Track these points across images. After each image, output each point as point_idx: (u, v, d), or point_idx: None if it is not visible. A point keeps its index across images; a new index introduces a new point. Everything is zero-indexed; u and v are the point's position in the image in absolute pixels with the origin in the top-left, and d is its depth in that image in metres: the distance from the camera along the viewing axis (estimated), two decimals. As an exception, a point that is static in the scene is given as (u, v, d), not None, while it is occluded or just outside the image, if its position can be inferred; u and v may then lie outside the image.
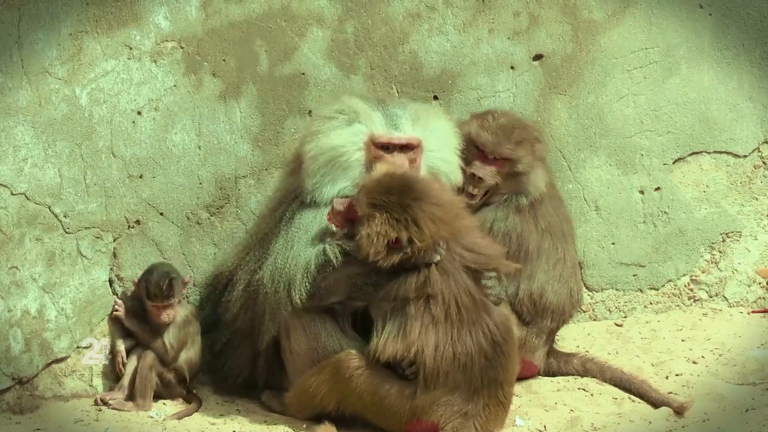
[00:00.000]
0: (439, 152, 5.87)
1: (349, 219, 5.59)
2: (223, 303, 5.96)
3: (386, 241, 5.46)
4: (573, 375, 6.17)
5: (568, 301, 6.16)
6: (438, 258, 5.50)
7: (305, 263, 5.62)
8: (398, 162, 5.72)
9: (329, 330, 5.68)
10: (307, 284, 5.61)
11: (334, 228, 5.64)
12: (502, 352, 5.49)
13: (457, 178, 5.91)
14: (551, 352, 6.22)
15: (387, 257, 5.48)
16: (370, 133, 5.76)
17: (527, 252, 6.09)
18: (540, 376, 6.18)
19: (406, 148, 5.77)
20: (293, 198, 5.81)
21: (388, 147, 5.75)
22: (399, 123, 5.81)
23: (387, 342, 5.49)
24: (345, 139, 5.75)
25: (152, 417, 5.77)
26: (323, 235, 5.69)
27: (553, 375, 6.19)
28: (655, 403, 5.88)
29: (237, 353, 5.95)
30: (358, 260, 5.56)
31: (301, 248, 5.67)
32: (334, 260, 5.60)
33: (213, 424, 5.73)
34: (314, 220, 5.72)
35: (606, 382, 6.09)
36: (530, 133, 6.12)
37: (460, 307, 5.46)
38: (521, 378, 6.01)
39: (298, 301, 5.62)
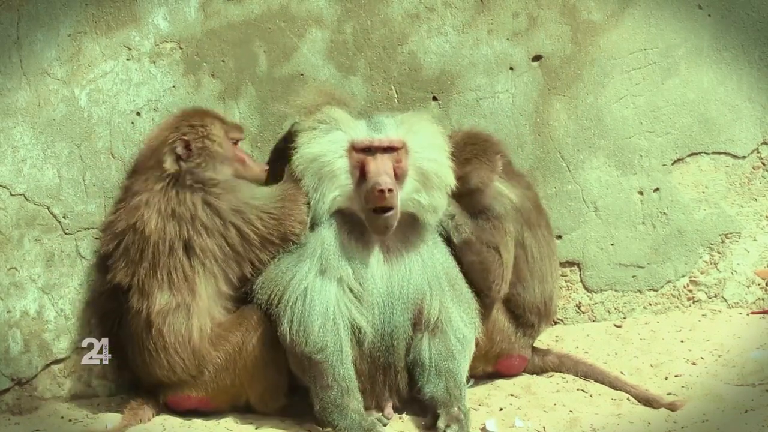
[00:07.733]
0: (427, 152, 5.77)
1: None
2: None
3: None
4: (550, 370, 6.22)
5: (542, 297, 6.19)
6: None
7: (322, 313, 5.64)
8: (380, 164, 5.64)
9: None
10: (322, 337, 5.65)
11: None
12: None
13: (449, 178, 5.80)
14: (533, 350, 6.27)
15: None
16: (351, 139, 5.68)
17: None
18: (524, 373, 6.23)
19: (389, 150, 5.69)
20: None
21: (369, 150, 5.67)
22: (380, 127, 5.73)
23: None
24: (325, 147, 5.69)
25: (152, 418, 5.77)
26: (333, 270, 5.69)
27: (533, 372, 6.22)
28: (637, 398, 5.98)
29: None
30: None
31: (315, 294, 5.64)
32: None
33: (208, 426, 5.73)
34: (317, 244, 5.71)
35: (579, 376, 6.17)
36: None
37: None
38: (517, 374, 6.17)
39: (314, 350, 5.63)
